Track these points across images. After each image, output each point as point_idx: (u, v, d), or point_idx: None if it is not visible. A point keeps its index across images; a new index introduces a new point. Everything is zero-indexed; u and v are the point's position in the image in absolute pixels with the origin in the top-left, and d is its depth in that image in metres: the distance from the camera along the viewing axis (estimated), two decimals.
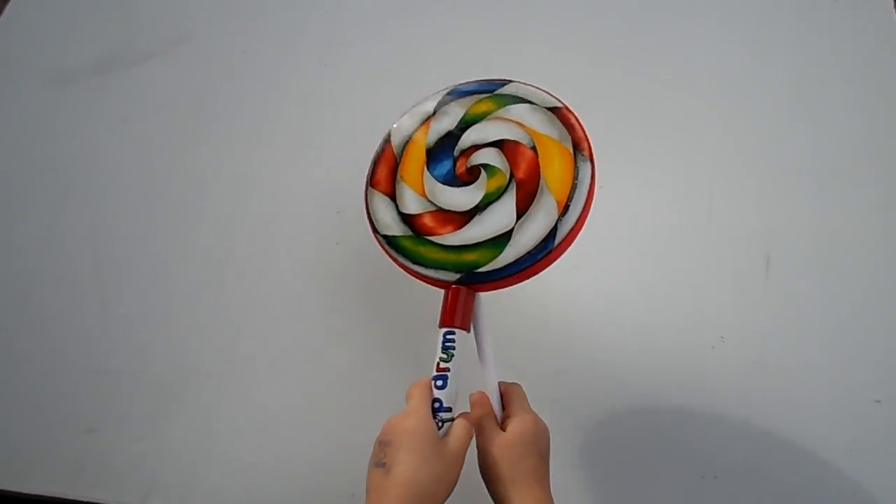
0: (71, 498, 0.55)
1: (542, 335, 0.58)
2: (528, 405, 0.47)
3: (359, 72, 0.66)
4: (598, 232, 0.60)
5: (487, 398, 0.47)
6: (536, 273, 0.47)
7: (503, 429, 0.45)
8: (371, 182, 0.53)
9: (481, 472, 0.44)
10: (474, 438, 0.45)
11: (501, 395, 0.48)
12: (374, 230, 0.51)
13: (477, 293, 0.48)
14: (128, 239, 0.67)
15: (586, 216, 0.47)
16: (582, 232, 0.47)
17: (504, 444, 0.43)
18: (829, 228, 0.60)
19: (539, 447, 0.45)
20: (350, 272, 0.55)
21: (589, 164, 0.48)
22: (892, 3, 0.71)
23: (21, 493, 0.56)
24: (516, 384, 0.49)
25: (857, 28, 0.71)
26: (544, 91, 0.51)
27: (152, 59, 0.77)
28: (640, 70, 0.70)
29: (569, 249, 0.47)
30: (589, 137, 0.49)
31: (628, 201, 0.63)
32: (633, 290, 0.59)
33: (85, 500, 0.55)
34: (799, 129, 0.66)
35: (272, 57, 0.76)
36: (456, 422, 0.44)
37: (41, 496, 0.56)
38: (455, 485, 0.41)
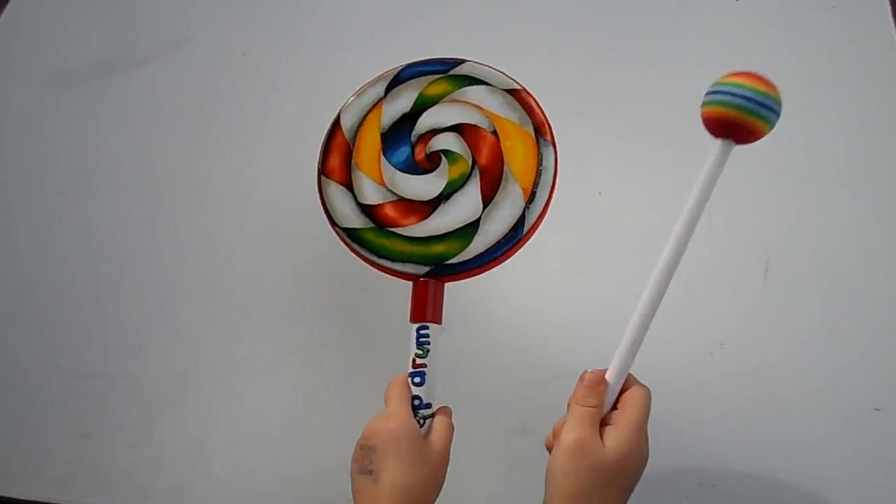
0: (65, 503, 0.54)
1: (540, 340, 0.58)
2: (646, 424, 0.38)
3: (359, 75, 0.62)
4: (596, 237, 0.62)
5: (604, 386, 0.39)
6: (503, 261, 0.47)
7: (601, 436, 0.37)
8: (324, 171, 0.50)
9: (548, 472, 0.37)
10: (561, 437, 0.38)
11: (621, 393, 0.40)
12: (333, 223, 0.49)
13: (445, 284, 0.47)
14: (124, 242, 0.65)
15: (551, 202, 0.47)
16: (557, 228, 0.47)
17: (598, 464, 0.36)
18: (829, 235, 0.60)
19: (630, 481, 0.38)
20: (346, 275, 0.53)
21: (552, 149, 0.47)
22: (889, 9, 0.71)
23: (14, 499, 0.54)
24: (645, 388, 0.40)
25: (855, 33, 0.70)
26: (500, 72, 0.50)
27: (152, 61, 0.75)
28: (637, 75, 0.69)
29: (547, 242, 0.47)
30: (549, 121, 0.48)
31: (626, 206, 0.63)
32: (631, 296, 0.58)
33: None
34: (797, 134, 0.65)
35: (272, 59, 0.74)
36: (437, 419, 0.43)
37: (35, 502, 0.54)
38: (443, 484, 0.41)
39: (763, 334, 0.57)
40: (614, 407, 0.40)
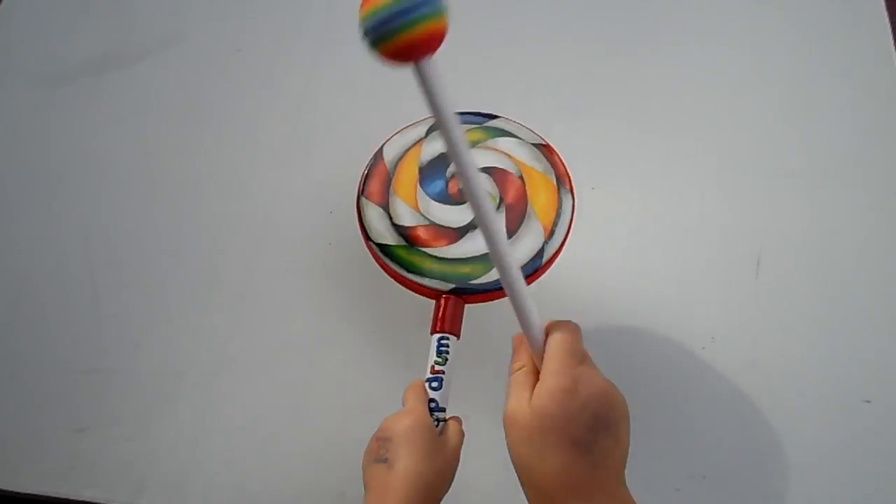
0: (61, 496, 0.53)
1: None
2: (570, 360, 0.34)
3: (352, 72, 0.64)
4: (588, 232, 0.60)
5: (523, 345, 0.37)
6: None
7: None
8: (364, 193, 0.55)
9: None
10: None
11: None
12: (368, 238, 0.53)
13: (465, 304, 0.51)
14: (120, 238, 0.65)
15: (567, 240, 0.52)
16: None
17: (525, 428, 0.33)
18: (820, 229, 0.62)
19: (570, 432, 0.32)
20: (341, 272, 0.54)
21: (570, 196, 0.54)
22: (883, 4, 0.72)
23: (11, 492, 0.53)
24: (568, 324, 0.36)
25: (849, 28, 0.72)
26: (528, 128, 0.57)
27: (146, 58, 0.76)
28: (631, 70, 0.72)
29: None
30: (570, 174, 0.55)
31: (619, 202, 0.64)
32: (623, 291, 0.59)
33: (75, 498, 0.53)
34: (790, 129, 0.67)
35: (266, 57, 0.76)
36: (450, 422, 0.45)
37: (31, 495, 0.53)
38: (453, 480, 0.43)
39: (755, 328, 0.57)
40: None
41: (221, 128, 0.72)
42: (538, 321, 0.36)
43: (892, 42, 0.71)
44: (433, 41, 0.28)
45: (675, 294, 0.59)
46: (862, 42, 0.72)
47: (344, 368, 0.58)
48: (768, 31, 0.74)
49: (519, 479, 0.35)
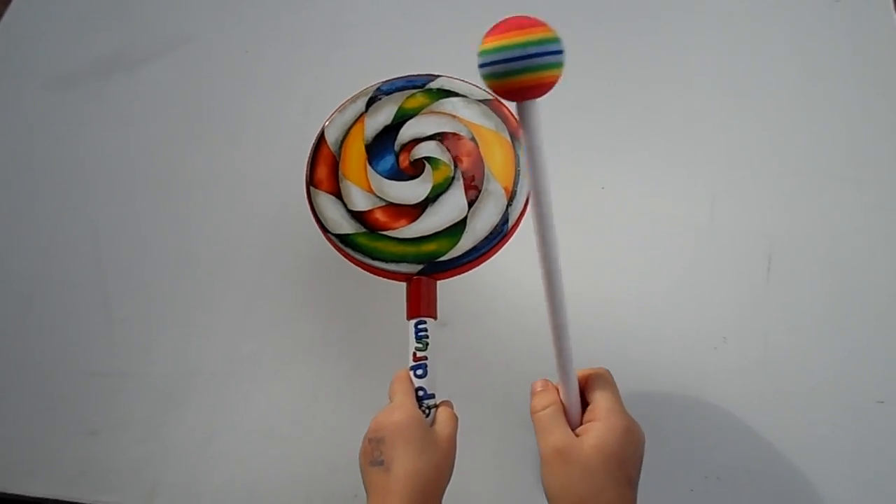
0: (73, 500, 0.54)
1: (541, 337, 0.57)
2: (620, 404, 0.38)
3: (362, 73, 0.62)
4: (598, 233, 0.62)
5: (551, 385, 0.40)
6: (491, 256, 0.50)
7: (577, 435, 0.37)
8: (312, 182, 0.52)
9: (544, 487, 0.37)
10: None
11: (581, 385, 0.40)
12: (325, 230, 0.50)
13: (437, 281, 0.49)
14: (130, 241, 0.65)
15: (530, 200, 0.50)
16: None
17: (585, 466, 0.35)
18: (831, 229, 0.61)
19: (627, 471, 0.36)
20: (352, 273, 0.52)
21: None
22: (892, 4, 0.72)
23: (23, 496, 0.54)
24: (601, 371, 0.40)
25: (858, 28, 0.72)
26: (473, 84, 0.54)
27: (154, 59, 0.75)
28: (640, 70, 0.71)
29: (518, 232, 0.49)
30: None
31: (629, 202, 0.64)
32: (634, 292, 0.59)
33: (87, 502, 0.53)
34: (800, 129, 0.67)
35: (274, 57, 0.75)
36: (440, 409, 0.45)
37: (43, 499, 0.54)
38: (453, 470, 0.42)
39: (766, 328, 0.57)
40: (585, 405, 0.40)
41: (230, 129, 0.71)
42: (574, 368, 0.39)
43: None
44: (545, 87, 0.31)
45: (687, 294, 0.59)
46: (869, 41, 0.71)
47: (355, 369, 0.57)
48: (777, 31, 0.73)
49: None
